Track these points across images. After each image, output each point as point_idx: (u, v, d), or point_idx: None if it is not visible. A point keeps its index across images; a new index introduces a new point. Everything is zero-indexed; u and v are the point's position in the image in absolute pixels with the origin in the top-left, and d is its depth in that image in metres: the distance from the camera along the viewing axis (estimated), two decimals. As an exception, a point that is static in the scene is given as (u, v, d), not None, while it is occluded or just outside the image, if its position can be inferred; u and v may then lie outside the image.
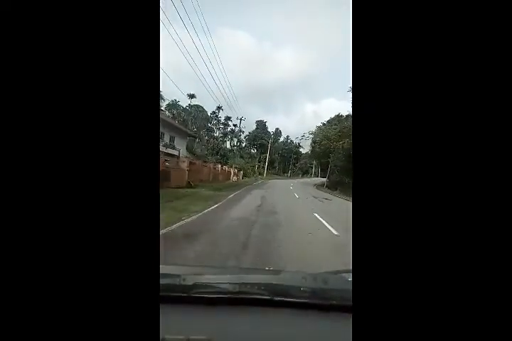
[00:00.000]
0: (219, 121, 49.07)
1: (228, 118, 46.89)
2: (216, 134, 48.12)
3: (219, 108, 45.41)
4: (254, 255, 3.25)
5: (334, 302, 0.73)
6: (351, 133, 0.72)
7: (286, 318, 0.71)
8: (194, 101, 42.40)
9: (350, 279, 0.78)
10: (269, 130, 59.40)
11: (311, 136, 31.54)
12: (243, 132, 52.70)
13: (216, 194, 10.63)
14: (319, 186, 26.95)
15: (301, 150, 63.03)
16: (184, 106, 41.31)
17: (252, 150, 56.14)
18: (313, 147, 31.68)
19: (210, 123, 47.41)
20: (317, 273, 1.19)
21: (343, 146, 20.33)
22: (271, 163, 53.56)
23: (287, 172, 63.56)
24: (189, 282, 0.77)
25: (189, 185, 12.32)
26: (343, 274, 1.02)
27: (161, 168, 9.30)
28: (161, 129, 15.42)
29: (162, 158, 10.90)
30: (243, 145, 54.98)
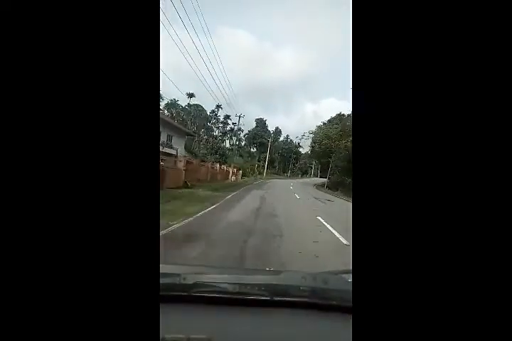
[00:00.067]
0: (218, 120, 48.73)
1: (227, 116, 46.56)
2: (215, 133, 47.78)
3: (218, 106, 45.09)
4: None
5: (334, 302, 0.73)
6: None
7: (286, 318, 0.71)
8: (193, 101, 42.09)
9: (350, 280, 0.77)
10: (269, 129, 59.11)
11: (312, 135, 30.99)
12: (242, 131, 52.38)
13: (213, 194, 10.19)
14: (319, 186, 26.52)
15: (300, 150, 62.85)
16: (183, 106, 40.96)
17: (252, 149, 55.78)
18: (313, 147, 31.18)
19: (210, 122, 47.07)
20: (317, 273, 1.17)
21: (346, 145, 19.91)
22: (271, 162, 53.14)
23: (287, 172, 63.28)
24: (189, 281, 0.77)
25: (186, 185, 11.89)
26: (343, 275, 1.01)
27: (155, 168, 8.86)
28: (158, 127, 15.00)
29: (158, 157, 10.44)
30: (242, 144, 54.60)
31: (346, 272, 0.98)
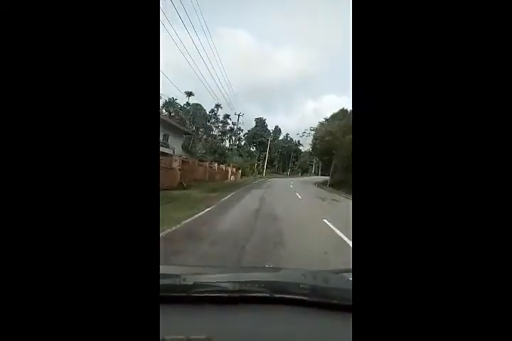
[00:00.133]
0: (218, 119, 48.12)
1: (227, 116, 45.94)
2: (215, 133, 47.17)
3: (218, 106, 44.45)
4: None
5: (334, 301, 0.73)
6: None
7: (286, 316, 0.70)
8: (193, 100, 41.48)
9: (350, 279, 0.76)
10: (268, 128, 58.43)
11: (313, 132, 30.20)
12: (242, 130, 51.77)
13: (209, 196, 9.54)
14: (321, 185, 25.84)
15: (300, 148, 62.21)
16: (182, 105, 40.34)
17: (251, 149, 55.11)
18: (314, 144, 30.30)
19: (209, 121, 46.44)
20: (317, 271, 1.18)
21: (350, 142, 19.17)
22: (270, 161, 52.46)
23: (287, 171, 62.60)
24: (189, 282, 0.77)
25: (181, 186, 11.24)
26: (343, 274, 1.00)
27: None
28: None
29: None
30: (242, 143, 53.97)
31: (346, 271, 0.96)
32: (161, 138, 16.33)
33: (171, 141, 17.80)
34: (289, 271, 1.33)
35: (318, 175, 59.10)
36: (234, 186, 15.27)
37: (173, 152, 16.76)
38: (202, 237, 4.01)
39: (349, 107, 27.18)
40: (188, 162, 14.34)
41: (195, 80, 54.70)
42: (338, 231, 4.93)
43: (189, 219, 5.33)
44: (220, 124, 48.84)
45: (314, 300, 0.74)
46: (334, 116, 29.94)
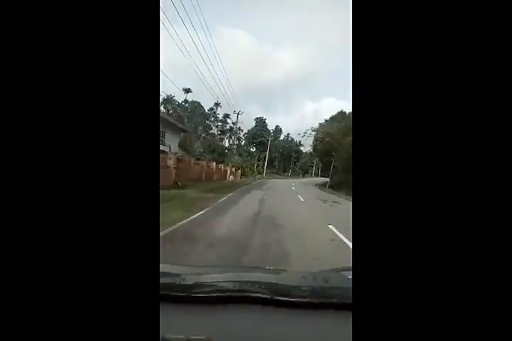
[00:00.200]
0: (217, 118, 47.53)
1: (227, 115, 45.30)
2: (214, 131, 46.59)
3: (217, 104, 43.82)
4: None
5: (334, 300, 0.72)
6: None
7: (286, 317, 0.70)
8: (191, 97, 40.84)
9: (350, 277, 0.73)
10: (268, 128, 57.81)
11: (314, 132, 29.76)
12: (242, 130, 51.17)
13: (206, 196, 8.88)
14: (321, 186, 25.28)
15: (301, 148, 61.67)
16: (180, 102, 39.74)
17: (251, 149, 54.49)
18: (315, 145, 29.88)
19: (208, 120, 45.84)
20: (317, 272, 1.13)
21: (349, 143, 18.66)
22: (271, 161, 51.80)
23: (287, 172, 61.92)
24: (189, 281, 0.76)
25: (176, 186, 10.59)
26: (343, 272, 0.99)
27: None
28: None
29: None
30: (242, 143, 53.35)
31: (347, 269, 0.94)
32: (157, 135, 15.67)
33: (168, 138, 17.16)
34: (289, 272, 1.27)
35: (318, 176, 58.65)
36: (232, 187, 14.61)
37: (170, 149, 16.11)
38: (193, 243, 3.40)
39: (348, 110, 26.88)
40: (184, 160, 13.67)
41: (194, 79, 54.27)
42: (346, 241, 4.18)
43: (182, 222, 4.71)
44: (220, 123, 48.22)
45: (315, 301, 0.72)
46: (333, 118, 29.77)
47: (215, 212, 6.29)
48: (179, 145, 19.75)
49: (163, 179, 9.78)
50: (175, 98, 37.95)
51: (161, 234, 3.74)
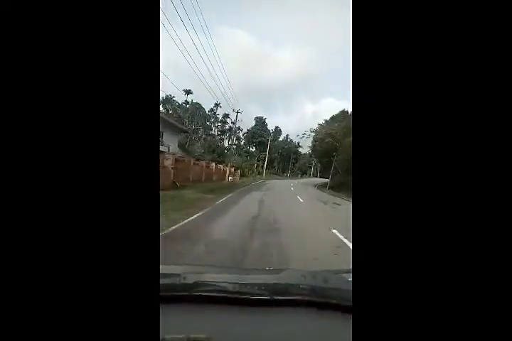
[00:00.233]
0: (217, 118, 47.43)
1: (226, 115, 45.21)
2: (214, 132, 46.48)
3: (217, 104, 43.76)
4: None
5: (334, 301, 0.72)
6: None
7: (286, 317, 0.70)
8: (191, 99, 40.74)
9: (350, 279, 0.76)
10: (268, 128, 57.70)
11: (313, 133, 29.45)
12: (241, 129, 51.05)
13: (204, 197, 8.79)
14: (321, 187, 25.14)
15: (300, 150, 61.59)
16: (180, 103, 39.65)
17: (251, 149, 54.36)
18: (314, 146, 29.66)
19: (209, 121, 45.74)
20: (317, 272, 1.15)
21: (350, 144, 18.55)
22: (270, 162, 51.66)
23: (286, 172, 62.03)
24: (189, 281, 0.76)
25: (174, 186, 10.49)
26: (343, 274, 0.99)
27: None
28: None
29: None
30: (241, 143, 53.22)
31: (346, 271, 0.96)
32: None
33: (167, 138, 17.07)
34: (289, 272, 1.25)
35: (317, 177, 58.56)
36: (231, 187, 14.52)
37: (168, 149, 16.04)
38: (190, 246, 3.25)
39: (350, 109, 26.59)
40: (183, 160, 13.57)
41: (194, 80, 54.13)
42: (350, 245, 4.03)
43: (177, 225, 4.58)
44: (219, 124, 48.11)
45: (314, 300, 0.72)
46: (334, 118, 29.40)
47: (214, 213, 6.19)
48: (179, 146, 19.63)
49: (161, 180, 9.66)
50: (175, 99, 37.87)
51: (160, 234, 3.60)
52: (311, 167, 66.62)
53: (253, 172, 37.36)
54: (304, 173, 67.70)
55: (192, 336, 0.55)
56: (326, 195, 16.40)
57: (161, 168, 9.95)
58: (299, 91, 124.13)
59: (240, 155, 39.68)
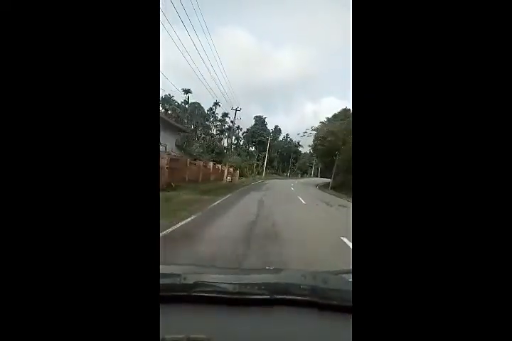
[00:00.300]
0: (216, 118, 46.84)
1: (225, 114, 44.63)
2: (213, 131, 45.91)
3: (216, 104, 43.19)
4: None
5: (334, 302, 0.72)
6: None
7: (286, 317, 0.70)
8: (191, 99, 40.17)
9: (350, 280, 0.76)
10: (268, 127, 57.14)
11: (314, 132, 28.87)
12: (241, 129, 50.49)
13: (200, 199, 8.29)
14: (322, 187, 24.82)
15: (300, 149, 61.07)
16: (179, 102, 39.07)
17: (251, 148, 53.80)
18: (315, 144, 29.04)
19: (208, 120, 45.15)
20: (317, 272, 1.15)
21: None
22: (270, 161, 51.28)
23: (286, 172, 61.68)
24: (189, 281, 0.76)
25: (169, 187, 9.97)
26: (343, 275, 0.99)
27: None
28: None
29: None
30: (241, 142, 52.64)
31: (346, 272, 0.95)
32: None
33: (164, 137, 16.54)
34: (289, 272, 1.26)
35: (317, 176, 58.12)
36: (230, 188, 14.12)
37: (165, 149, 15.52)
38: (177, 257, 2.81)
39: (351, 107, 25.94)
40: (179, 160, 13.05)
41: (194, 80, 53.56)
42: None
43: (167, 231, 4.07)
44: (219, 123, 47.53)
45: (314, 300, 0.72)
46: (336, 116, 28.81)
47: (208, 216, 5.67)
48: (176, 146, 19.07)
49: (156, 180, 9.10)
50: (174, 98, 37.31)
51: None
52: (311, 166, 66.25)
53: (252, 172, 36.91)
54: (304, 173, 67.30)
55: (192, 336, 0.55)
56: (328, 196, 16.03)
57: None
58: (299, 91, 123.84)
59: (239, 154, 39.19)
